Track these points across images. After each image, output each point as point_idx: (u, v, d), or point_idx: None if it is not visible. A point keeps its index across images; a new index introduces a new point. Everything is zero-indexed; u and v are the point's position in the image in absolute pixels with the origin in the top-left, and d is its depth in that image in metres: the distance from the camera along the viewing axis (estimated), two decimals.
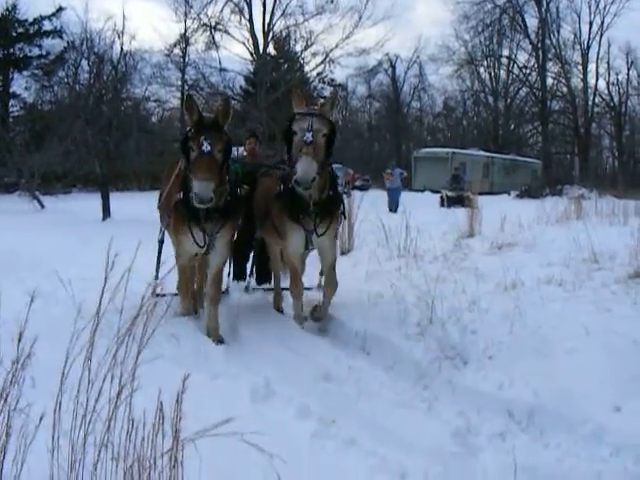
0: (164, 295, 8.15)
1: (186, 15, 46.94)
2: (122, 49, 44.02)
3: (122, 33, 45.41)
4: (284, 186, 8.00)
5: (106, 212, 26.26)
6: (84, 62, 45.91)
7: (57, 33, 50.87)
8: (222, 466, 4.33)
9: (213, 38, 47.89)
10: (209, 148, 7.04)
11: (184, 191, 7.50)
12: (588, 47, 66.54)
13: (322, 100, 8.17)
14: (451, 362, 7.26)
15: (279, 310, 9.34)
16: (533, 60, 66.98)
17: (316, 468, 4.82)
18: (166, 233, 8.94)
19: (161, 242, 9.22)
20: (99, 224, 23.56)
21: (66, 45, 49.25)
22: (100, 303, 3.82)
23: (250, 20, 46.51)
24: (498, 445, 5.38)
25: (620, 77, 69.30)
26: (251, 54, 47.90)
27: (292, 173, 7.40)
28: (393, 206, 27.91)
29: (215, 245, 7.79)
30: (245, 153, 11.24)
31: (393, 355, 7.41)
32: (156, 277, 8.64)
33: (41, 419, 3.68)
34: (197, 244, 7.66)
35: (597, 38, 66.32)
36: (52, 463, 3.71)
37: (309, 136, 7.34)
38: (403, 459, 4.95)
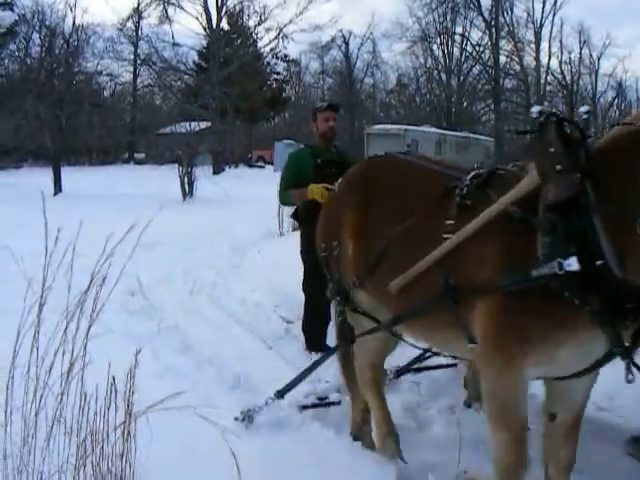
0: (318, 405, 5.79)
1: None
2: (74, 22, 43.80)
3: (74, 6, 45.10)
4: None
5: (58, 187, 26.03)
6: (35, 35, 45.61)
7: (7, 5, 50.12)
8: (174, 439, 4.38)
9: (166, 12, 47.76)
10: None
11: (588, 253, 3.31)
12: (541, 26, 67.03)
13: None
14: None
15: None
16: (486, 38, 67.24)
17: (269, 442, 4.89)
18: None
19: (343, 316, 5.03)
20: (51, 199, 23.33)
21: (17, 18, 48.65)
22: (45, 279, 3.81)
23: None
24: (448, 418, 5.45)
25: (572, 56, 69.93)
26: (204, 29, 47.79)
27: None
28: None
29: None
30: (317, 132, 7.58)
31: None
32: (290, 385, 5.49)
33: None
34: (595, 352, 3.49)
35: (550, 17, 66.84)
36: (5, 438, 3.72)
37: None
38: None
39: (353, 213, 4.67)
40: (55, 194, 25.07)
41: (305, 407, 5.60)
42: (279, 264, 10.58)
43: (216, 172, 35.70)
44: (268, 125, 76.82)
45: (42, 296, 3.77)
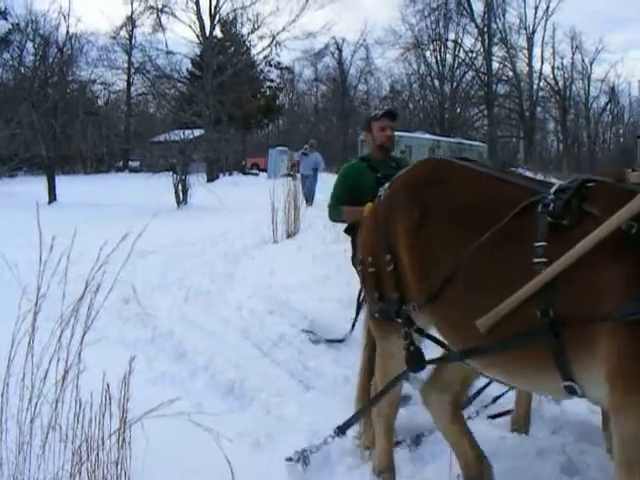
0: None
1: None
2: (68, 31, 43.84)
3: (68, 15, 45.24)
4: None
5: (52, 195, 26.03)
6: (29, 44, 45.70)
7: (1, 14, 50.09)
8: (169, 445, 4.38)
9: (160, 20, 47.89)
10: None
11: None
12: (533, 32, 67.28)
13: None
14: None
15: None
16: (479, 44, 67.36)
17: (261, 448, 4.91)
18: None
19: None
20: (45, 207, 23.28)
21: (10, 27, 48.71)
22: (39, 287, 3.83)
23: (197, 3, 46.42)
24: None
25: (565, 61, 70.08)
26: (198, 37, 47.92)
27: None
28: (310, 197, 21.72)
29: None
30: (373, 144, 6.84)
31: (339, 334, 7.48)
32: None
33: None
34: None
35: (542, 23, 67.09)
36: (0, 446, 3.73)
37: None
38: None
39: (406, 226, 4.00)
40: (50, 202, 25.05)
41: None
42: (273, 271, 10.60)
43: (210, 180, 35.69)
44: (262, 132, 76.83)
45: (36, 304, 3.78)
